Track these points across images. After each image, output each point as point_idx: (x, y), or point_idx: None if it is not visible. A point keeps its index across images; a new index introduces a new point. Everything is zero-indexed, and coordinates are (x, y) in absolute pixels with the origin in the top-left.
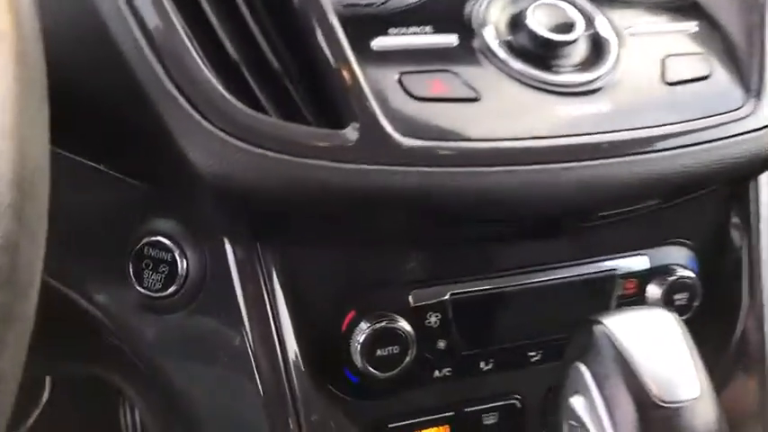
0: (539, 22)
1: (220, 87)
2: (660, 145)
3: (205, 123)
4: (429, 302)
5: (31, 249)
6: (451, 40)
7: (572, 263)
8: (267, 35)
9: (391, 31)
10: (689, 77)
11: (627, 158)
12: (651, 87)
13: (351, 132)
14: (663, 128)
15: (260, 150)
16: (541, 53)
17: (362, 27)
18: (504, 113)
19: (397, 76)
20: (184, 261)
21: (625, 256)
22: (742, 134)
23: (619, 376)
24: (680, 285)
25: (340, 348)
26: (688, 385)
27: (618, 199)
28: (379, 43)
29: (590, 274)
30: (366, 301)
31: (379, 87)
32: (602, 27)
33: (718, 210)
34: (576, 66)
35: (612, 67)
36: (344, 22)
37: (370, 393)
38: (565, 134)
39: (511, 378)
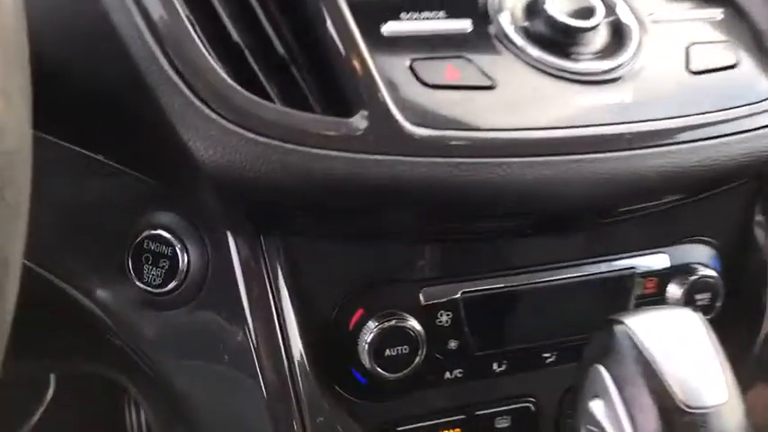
0: (557, 8)
1: (223, 73)
2: (684, 136)
3: (206, 110)
4: (440, 301)
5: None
6: (465, 25)
7: (589, 260)
8: (273, 20)
9: (403, 15)
10: (715, 66)
11: (649, 150)
12: (675, 76)
13: (359, 121)
14: (687, 118)
15: (263, 139)
16: (560, 40)
17: (373, 11)
18: (520, 102)
19: (408, 63)
20: (185, 255)
21: (644, 254)
22: None
23: (641, 379)
24: (702, 285)
25: (347, 348)
26: (715, 390)
27: (639, 193)
28: (389, 28)
29: (608, 272)
30: (374, 299)
31: (390, 74)
32: (624, 13)
33: (741, 206)
34: (596, 53)
35: (634, 54)
36: (354, 6)
37: (378, 395)
38: (584, 124)
39: (525, 380)
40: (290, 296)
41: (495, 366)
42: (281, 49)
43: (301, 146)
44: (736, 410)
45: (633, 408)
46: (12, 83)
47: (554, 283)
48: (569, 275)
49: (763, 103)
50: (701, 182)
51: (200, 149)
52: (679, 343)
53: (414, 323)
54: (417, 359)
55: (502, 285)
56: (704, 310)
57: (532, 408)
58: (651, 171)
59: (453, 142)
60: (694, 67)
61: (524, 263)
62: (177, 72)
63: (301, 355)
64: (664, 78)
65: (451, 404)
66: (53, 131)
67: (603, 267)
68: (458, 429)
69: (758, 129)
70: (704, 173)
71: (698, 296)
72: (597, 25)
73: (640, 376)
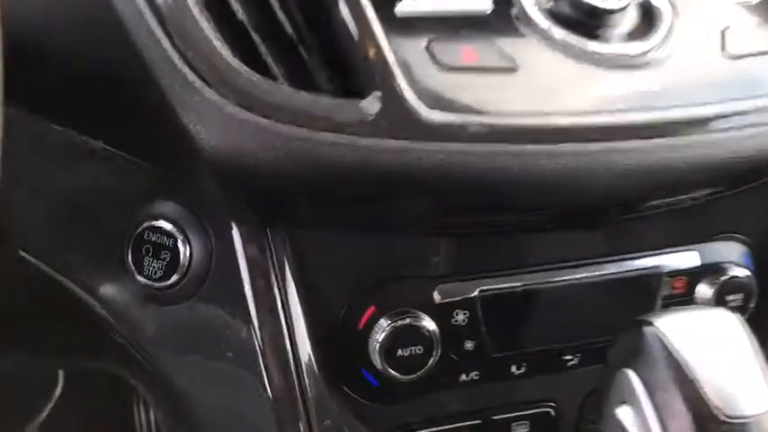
0: None
1: (225, 51)
2: (720, 125)
3: (208, 91)
4: (456, 299)
5: None
6: (485, 5)
7: (614, 258)
8: None
9: None
10: (753, 51)
11: (682, 139)
12: (710, 61)
13: (371, 103)
14: (723, 105)
15: (268, 122)
16: (586, 21)
17: None
18: (543, 86)
19: (424, 44)
20: (187, 247)
21: (673, 252)
22: None
23: (673, 385)
24: (734, 285)
25: (357, 347)
26: (754, 398)
27: (670, 186)
28: (404, 8)
29: (634, 270)
30: (386, 296)
31: (404, 55)
32: None
33: None
34: (625, 36)
35: (665, 37)
36: None
37: (390, 397)
38: (611, 110)
39: (544, 383)
40: (297, 291)
41: (513, 369)
42: (288, 29)
43: (308, 129)
44: None
45: (665, 415)
46: None
47: (576, 281)
48: (593, 274)
49: None
50: (737, 174)
51: (201, 133)
52: (714, 345)
53: (428, 322)
54: (431, 360)
55: (521, 283)
56: (736, 311)
57: (552, 413)
58: (683, 162)
59: (471, 128)
60: (731, 51)
61: (545, 260)
62: (178, 51)
63: (308, 354)
64: (697, 63)
65: (467, 408)
66: (49, 116)
67: (629, 265)
68: None
69: None
70: (741, 164)
71: (729, 297)
72: (626, 6)
73: (672, 381)
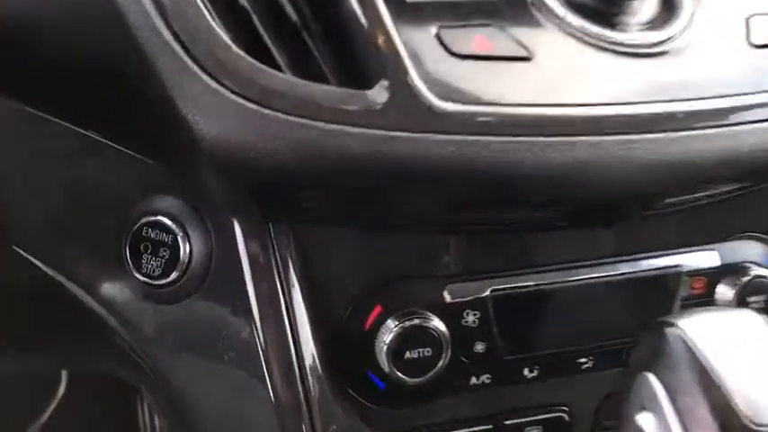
0: None
1: (227, 39)
2: (745, 117)
3: (207, 79)
4: (466, 299)
5: None
6: None
7: (631, 257)
8: None
9: None
10: None
11: (705, 132)
12: (733, 50)
13: (378, 93)
14: (747, 97)
15: (270, 112)
16: (604, 9)
17: None
18: (559, 76)
19: (434, 31)
20: (187, 244)
21: (692, 251)
22: None
23: (698, 390)
24: (755, 286)
25: (363, 349)
26: None
27: (691, 180)
28: None
29: (651, 270)
30: (394, 296)
31: (414, 43)
32: None
33: None
34: (644, 24)
35: (686, 25)
36: None
37: (397, 401)
38: (631, 101)
39: (558, 387)
40: (301, 290)
41: (525, 372)
42: (292, 15)
43: (313, 120)
44: None
45: (688, 423)
46: None
47: (592, 281)
48: (609, 273)
49: None
50: (760, 168)
51: (200, 123)
52: (741, 348)
53: (437, 323)
54: (441, 363)
55: (535, 283)
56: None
57: (566, 417)
58: (705, 155)
59: (484, 118)
60: (756, 39)
61: (559, 258)
62: (176, 36)
63: (313, 356)
64: (720, 52)
65: (477, 412)
66: (46, 107)
67: (646, 265)
68: None
69: None
70: (765, 158)
71: (751, 298)
72: None
73: (697, 386)
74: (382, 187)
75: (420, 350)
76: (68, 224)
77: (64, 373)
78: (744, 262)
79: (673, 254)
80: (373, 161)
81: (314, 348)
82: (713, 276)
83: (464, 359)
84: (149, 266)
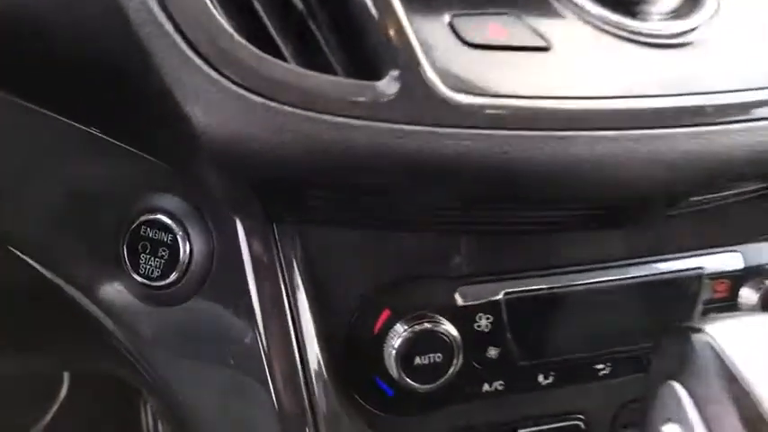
0: None
1: (228, 27)
2: None
3: (207, 69)
4: (479, 302)
5: None
6: None
7: (651, 259)
8: None
9: None
10: None
11: (734, 126)
12: (763, 40)
13: (389, 84)
14: None
15: (274, 104)
16: None
17: None
18: (578, 67)
19: (447, 19)
20: (187, 244)
21: (714, 253)
22: None
23: (727, 399)
24: None
25: (371, 354)
26: None
27: (720, 177)
28: None
29: (672, 272)
30: (403, 299)
31: (425, 31)
32: None
33: None
34: (668, 13)
35: (712, 15)
36: None
37: (406, 408)
38: (655, 94)
39: (574, 394)
40: (305, 292)
41: (540, 378)
42: (298, 3)
43: (319, 113)
44: None
45: None
46: None
47: (610, 283)
48: (627, 276)
49: None
50: None
51: (199, 115)
52: None
53: (448, 327)
54: (452, 369)
55: (550, 286)
56: None
57: (582, 426)
58: (734, 151)
59: (500, 112)
60: None
61: (576, 260)
62: (175, 25)
63: (318, 361)
64: (749, 42)
65: (490, 420)
66: (42, 102)
67: (667, 267)
68: None
69: None
70: None
71: None
72: None
73: (726, 395)
74: (392, 184)
75: (430, 355)
76: (65, 223)
77: (66, 375)
78: None
79: (694, 255)
80: (382, 156)
81: (319, 353)
82: (736, 279)
83: (476, 365)
84: (148, 267)
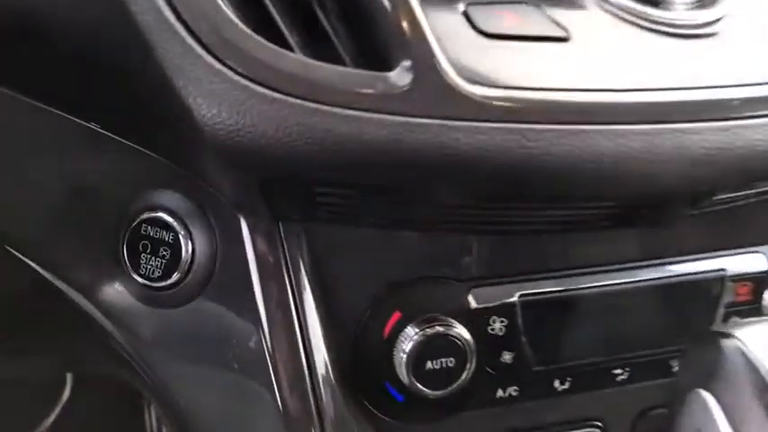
0: None
1: (232, 16)
2: None
3: (210, 59)
4: (493, 304)
5: None
6: None
7: (671, 260)
8: None
9: None
10: None
11: (762, 120)
12: None
13: (400, 76)
14: None
15: (280, 96)
16: None
17: None
18: (600, 58)
19: (462, 7)
20: (189, 243)
21: (737, 254)
22: None
23: (761, 409)
24: None
25: (381, 358)
26: None
27: (748, 174)
28: None
29: (693, 274)
30: (414, 301)
31: (439, 21)
32: None
33: None
34: (692, 2)
35: (738, 4)
36: None
37: (417, 415)
38: (681, 86)
39: (591, 401)
40: (312, 294)
41: (556, 384)
42: None
43: (326, 105)
44: None
45: None
46: None
47: (628, 286)
48: (647, 277)
49: None
50: None
51: (202, 108)
52: None
53: (461, 330)
54: (465, 374)
55: (567, 288)
56: None
57: None
58: (765, 146)
59: (518, 104)
60: None
61: (594, 261)
62: (176, 13)
63: (325, 365)
64: None
65: (504, 427)
66: (41, 96)
67: (688, 268)
68: None
69: None
70: None
71: None
72: None
73: (759, 405)
74: (403, 180)
75: (442, 360)
76: (63, 222)
77: (68, 377)
78: None
79: (716, 257)
80: (394, 150)
81: (327, 357)
82: (760, 281)
83: (490, 370)
84: (148, 267)
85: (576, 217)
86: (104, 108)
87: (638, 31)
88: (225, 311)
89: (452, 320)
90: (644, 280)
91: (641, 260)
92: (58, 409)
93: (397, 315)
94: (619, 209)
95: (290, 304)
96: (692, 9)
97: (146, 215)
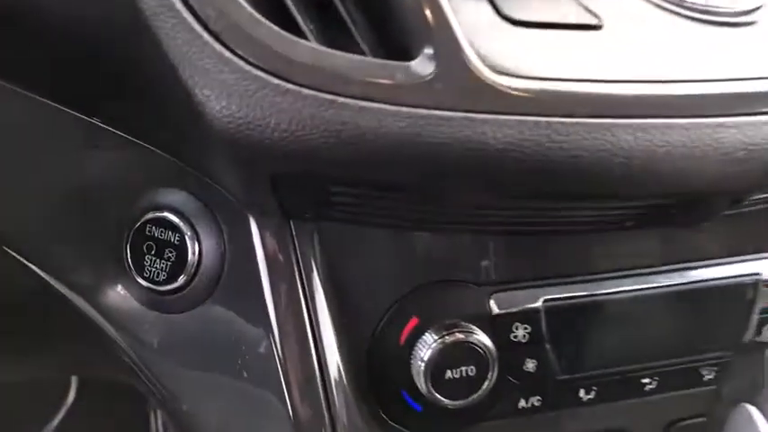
0: None
1: (243, 1)
2: None
3: (219, 48)
4: (516, 310)
5: None
6: None
7: (702, 263)
8: None
9: None
10: None
11: None
12: None
13: (421, 65)
14: None
15: (294, 87)
16: None
17: None
18: (634, 47)
19: None
20: (196, 244)
21: None
22: None
23: None
24: None
25: (398, 366)
26: None
27: None
28: None
29: (726, 278)
30: (432, 306)
31: (463, 6)
32: None
33: None
34: None
35: None
36: None
37: (436, 426)
38: (720, 78)
39: (618, 411)
40: (326, 297)
41: (581, 394)
42: None
43: (343, 96)
44: None
45: None
46: None
47: (657, 291)
48: (676, 282)
49: None
50: None
51: (211, 99)
52: None
53: (482, 337)
54: (486, 383)
55: (593, 293)
56: None
57: None
58: None
59: (547, 96)
60: None
61: (621, 265)
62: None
63: (339, 372)
64: None
65: None
66: (43, 91)
67: (720, 272)
68: None
69: None
70: None
71: None
72: None
73: None
74: (424, 177)
75: (462, 369)
76: (64, 222)
77: (74, 380)
78: None
79: (750, 260)
80: (414, 145)
81: (340, 363)
82: None
83: (512, 379)
84: (153, 269)
85: (603, 217)
86: (106, 100)
87: (674, 18)
88: (234, 316)
89: (473, 327)
90: (674, 284)
91: (671, 264)
92: (63, 412)
93: (414, 321)
94: (647, 208)
95: (301, 308)
96: None
97: (150, 215)
